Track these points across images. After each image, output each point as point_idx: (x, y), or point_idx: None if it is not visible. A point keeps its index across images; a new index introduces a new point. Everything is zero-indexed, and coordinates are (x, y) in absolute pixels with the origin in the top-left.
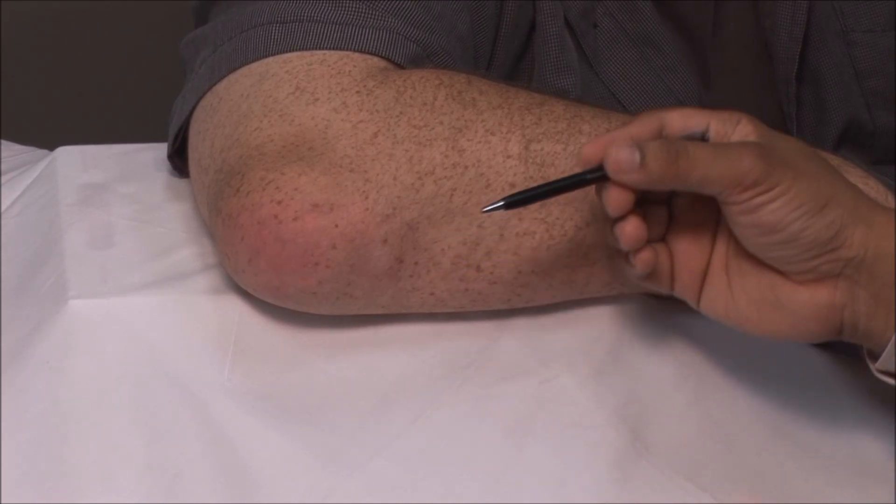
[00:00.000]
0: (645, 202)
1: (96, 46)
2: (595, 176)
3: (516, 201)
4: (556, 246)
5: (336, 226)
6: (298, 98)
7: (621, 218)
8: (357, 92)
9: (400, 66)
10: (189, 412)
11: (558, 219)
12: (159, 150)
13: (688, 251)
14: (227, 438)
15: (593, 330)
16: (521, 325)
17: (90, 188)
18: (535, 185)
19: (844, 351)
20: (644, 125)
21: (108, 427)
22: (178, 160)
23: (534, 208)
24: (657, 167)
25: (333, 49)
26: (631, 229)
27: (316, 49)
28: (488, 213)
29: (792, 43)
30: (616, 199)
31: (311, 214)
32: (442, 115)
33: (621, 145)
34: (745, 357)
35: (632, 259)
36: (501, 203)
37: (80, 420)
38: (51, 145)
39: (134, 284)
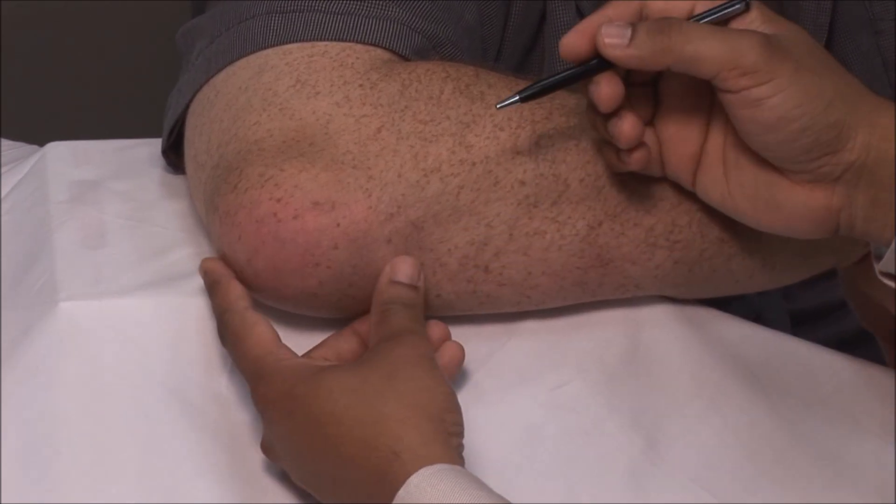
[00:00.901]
0: (630, 84)
1: (88, 38)
2: (594, 65)
3: (531, 94)
4: (567, 246)
5: (338, 225)
6: (299, 91)
7: (614, 114)
8: (360, 85)
9: (405, 58)
10: (185, 421)
11: (570, 217)
12: (154, 146)
13: (677, 136)
14: (225, 448)
15: (606, 334)
16: (531, 328)
17: (82, 185)
18: (546, 182)
19: (867, 355)
20: (621, 8)
21: (101, 436)
22: (174, 156)
23: (545, 206)
24: (649, 42)
25: (335, 40)
26: (628, 128)
27: (317, 40)
28: (503, 109)
29: (818, 31)
30: (606, 92)
31: (312, 213)
32: (449, 110)
33: (611, 23)
34: (763, 362)
35: (625, 157)
36: (516, 97)
37: (71, 429)
38: (40, 141)
39: (128, 286)
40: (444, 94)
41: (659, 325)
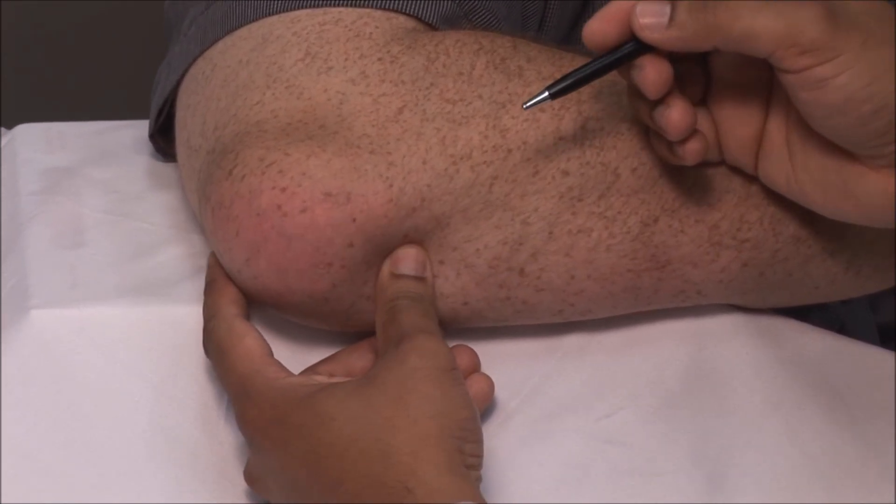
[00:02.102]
0: (677, 62)
1: (62, 4)
2: (632, 49)
3: (562, 89)
4: (617, 246)
5: (354, 220)
6: (308, 66)
7: (661, 101)
8: (379, 59)
9: (431, 27)
10: (178, 453)
11: (620, 212)
12: (139, 129)
13: (734, 116)
14: (224, 491)
15: (663, 352)
16: (574, 344)
17: (56, 174)
18: (592, 172)
19: None
20: None
21: (76, 469)
22: (163, 140)
23: (591, 200)
24: (691, 20)
25: (350, 6)
26: (678, 117)
27: (329, 6)
28: (531, 108)
29: None
30: (652, 77)
31: (324, 205)
32: (481, 88)
33: (646, 1)
34: (849, 381)
35: (678, 150)
36: (545, 94)
37: (43, 460)
38: (8, 123)
39: (109, 292)
40: (477, 69)
41: (725, 339)
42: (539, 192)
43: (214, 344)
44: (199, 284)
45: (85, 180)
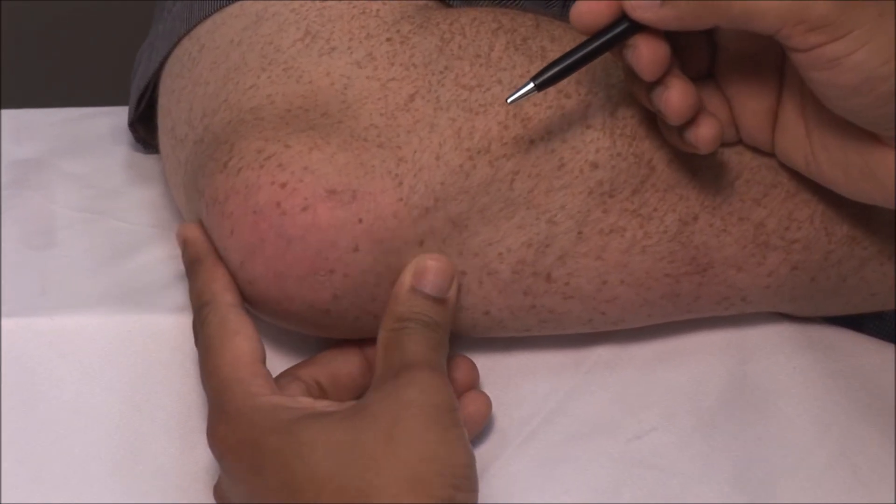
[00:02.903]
0: (676, 33)
1: None
2: (625, 29)
3: (549, 78)
4: (653, 247)
5: (360, 220)
6: (309, 46)
7: (659, 82)
8: (388, 39)
9: (445, 4)
10: (159, 482)
11: (656, 210)
12: (117, 116)
13: (746, 89)
14: None
15: (702, 365)
16: (604, 358)
17: (25, 166)
18: (625, 164)
19: None
20: None
21: (45, 496)
22: (144, 129)
23: (623, 196)
24: None
25: None
26: (678, 98)
27: None
28: (515, 103)
29: None
30: (648, 56)
31: (327, 203)
32: (501, 72)
33: None
34: None
35: (688, 137)
36: (531, 85)
37: (12, 486)
38: None
39: (83, 299)
40: (496, 50)
41: (771, 351)
42: (566, 187)
43: (204, 338)
44: (185, 291)
45: (57, 174)
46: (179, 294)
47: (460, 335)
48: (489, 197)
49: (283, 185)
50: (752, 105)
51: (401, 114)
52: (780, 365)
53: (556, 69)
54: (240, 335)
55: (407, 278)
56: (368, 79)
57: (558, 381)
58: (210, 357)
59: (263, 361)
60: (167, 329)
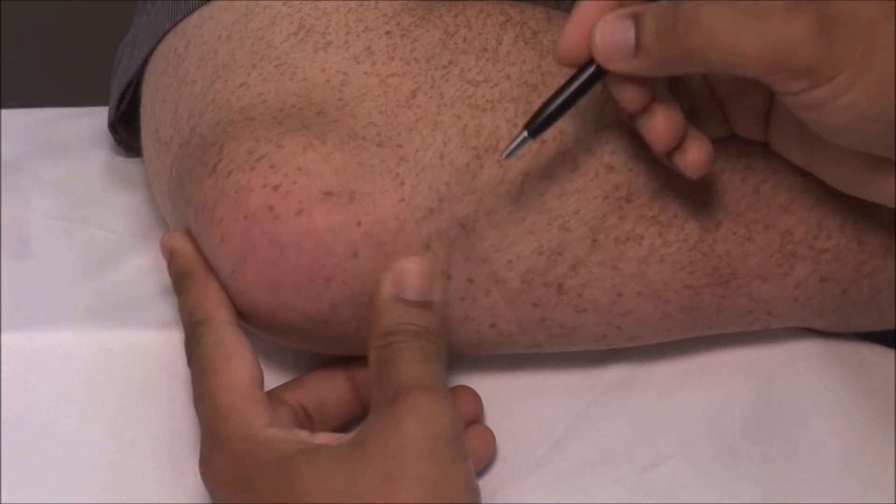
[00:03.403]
0: None
1: None
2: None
3: (542, 124)
4: (672, 256)
5: (359, 223)
6: (303, 41)
7: (644, 109)
8: (387, 32)
9: None
10: None
11: (676, 216)
12: (97, 117)
13: (736, 86)
14: None
15: (724, 387)
16: (619, 378)
17: None
18: (642, 167)
19: None
20: None
21: None
22: (125, 131)
23: (640, 202)
24: (660, 47)
25: None
26: (662, 127)
27: None
28: (509, 161)
29: None
30: (630, 95)
31: (323, 206)
32: (509, 66)
33: (609, 21)
34: None
35: (676, 162)
36: (524, 134)
37: None
38: None
39: (61, 314)
40: (504, 44)
41: (799, 370)
42: (580, 191)
43: (198, 359)
44: (170, 306)
45: (32, 179)
46: (165, 308)
47: (465, 353)
48: (498, 199)
49: (276, 188)
50: (743, 101)
51: (401, 111)
52: (808, 385)
53: (547, 112)
54: (237, 357)
55: (386, 287)
56: (367, 75)
57: (569, 403)
58: (205, 381)
59: (261, 386)
60: (153, 347)
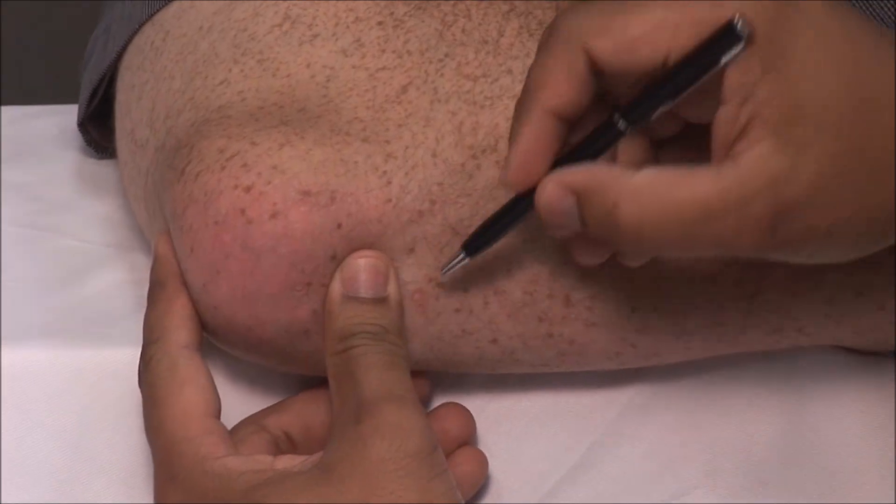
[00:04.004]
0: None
1: None
2: None
3: (480, 245)
4: (692, 266)
5: (339, 226)
6: (288, 33)
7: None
8: (379, 23)
9: None
10: None
11: None
12: (66, 116)
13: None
14: None
15: (752, 410)
16: (636, 401)
17: None
18: None
19: None
20: (558, 78)
21: None
22: (97, 130)
23: None
24: (595, 228)
25: None
26: (584, 261)
27: None
28: (448, 279)
29: None
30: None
31: (300, 208)
32: (511, 60)
33: (545, 189)
34: None
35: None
36: (461, 255)
37: None
38: None
39: (26, 330)
40: (506, 36)
41: (833, 392)
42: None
43: (147, 384)
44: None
45: None
46: (140, 325)
47: (466, 371)
48: (496, 203)
49: (248, 189)
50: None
51: (390, 106)
52: (843, 408)
53: (485, 236)
54: (189, 385)
55: (336, 287)
56: (355, 68)
57: (581, 429)
58: (155, 410)
59: (217, 415)
60: (124, 367)
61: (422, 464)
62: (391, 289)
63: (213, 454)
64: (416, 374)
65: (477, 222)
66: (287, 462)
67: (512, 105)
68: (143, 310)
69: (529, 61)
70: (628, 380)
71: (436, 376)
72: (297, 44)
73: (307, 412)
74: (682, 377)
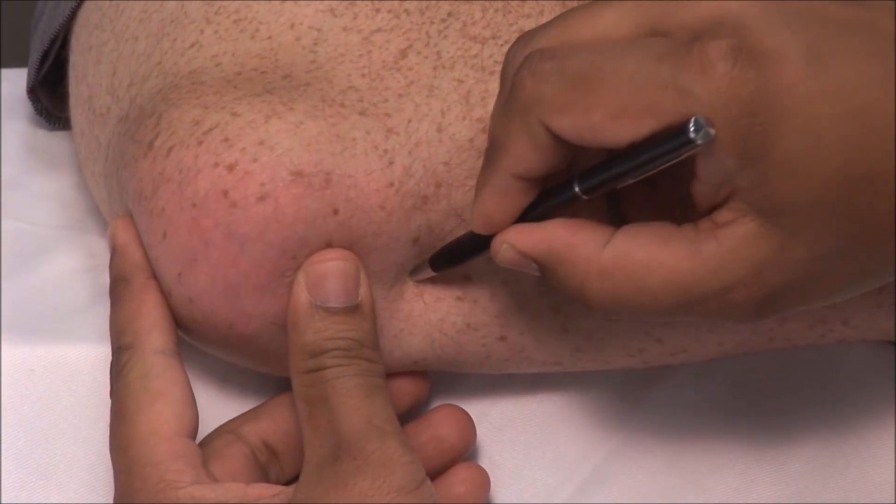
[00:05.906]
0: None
1: None
2: None
3: (444, 263)
4: None
5: (335, 211)
6: None
7: None
8: None
9: None
10: None
11: None
12: (13, 81)
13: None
14: None
15: (788, 414)
16: (656, 404)
17: None
18: None
19: None
20: (521, 145)
21: None
22: (48, 97)
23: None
24: (564, 295)
25: None
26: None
27: None
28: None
29: None
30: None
31: (291, 190)
32: (524, 19)
33: (500, 253)
34: None
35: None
36: (427, 268)
37: None
38: None
39: None
40: None
41: (881, 396)
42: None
43: (117, 395)
44: (104, 312)
45: None
46: (99, 318)
47: (469, 371)
48: None
49: (231, 168)
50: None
51: (389, 74)
52: (891, 414)
53: (452, 256)
54: (162, 400)
55: (302, 295)
56: (346, 31)
57: (597, 437)
58: (121, 427)
59: (191, 433)
60: (82, 367)
61: (407, 498)
62: (363, 293)
63: (177, 482)
64: (413, 371)
65: None
66: (261, 491)
67: None
68: (103, 301)
69: (543, 20)
70: (651, 381)
71: (433, 374)
72: (279, 2)
73: (286, 417)
74: (711, 377)
